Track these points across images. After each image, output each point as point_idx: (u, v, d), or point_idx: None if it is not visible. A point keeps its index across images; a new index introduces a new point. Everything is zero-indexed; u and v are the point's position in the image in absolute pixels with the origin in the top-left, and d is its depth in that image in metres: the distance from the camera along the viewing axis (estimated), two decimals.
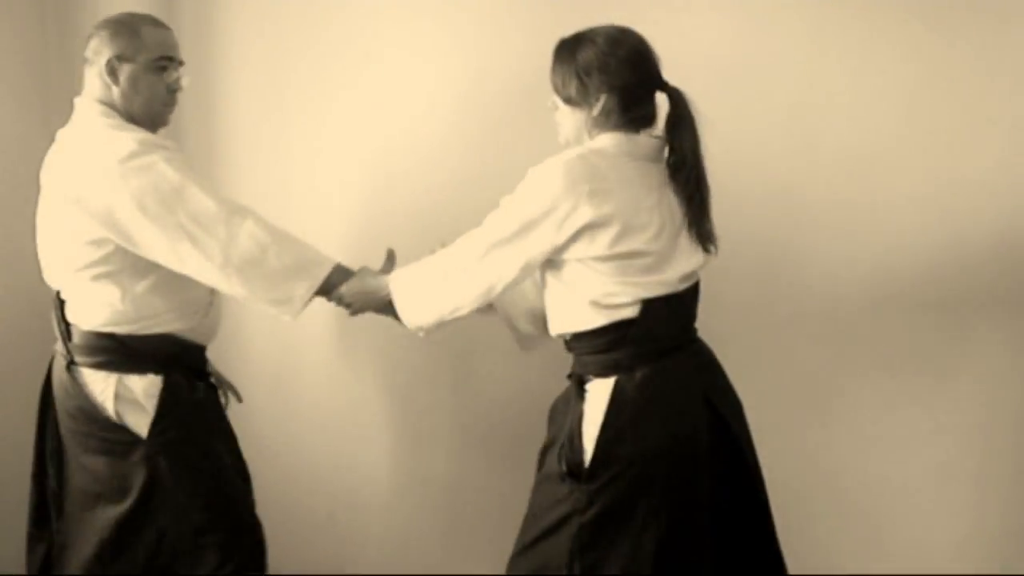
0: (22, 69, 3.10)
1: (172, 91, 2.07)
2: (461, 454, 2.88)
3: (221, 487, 2.13)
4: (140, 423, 2.04)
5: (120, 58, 2.01)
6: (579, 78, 1.87)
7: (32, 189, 3.14)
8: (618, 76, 1.86)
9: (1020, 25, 2.26)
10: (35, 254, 3.19)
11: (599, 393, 1.91)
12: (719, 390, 1.98)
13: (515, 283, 1.90)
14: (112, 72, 2.01)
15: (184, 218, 1.91)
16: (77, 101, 2.08)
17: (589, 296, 1.88)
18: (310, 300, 2.00)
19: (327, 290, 2.02)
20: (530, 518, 2.00)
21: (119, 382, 2.04)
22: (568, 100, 1.91)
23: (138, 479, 2.03)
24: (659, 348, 1.89)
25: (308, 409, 3.01)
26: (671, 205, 1.90)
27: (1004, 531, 2.38)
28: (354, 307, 2.08)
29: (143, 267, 2.00)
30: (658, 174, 1.90)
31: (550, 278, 1.94)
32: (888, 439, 2.45)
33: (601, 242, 1.81)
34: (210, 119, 3.03)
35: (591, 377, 1.94)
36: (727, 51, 2.48)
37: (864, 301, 2.44)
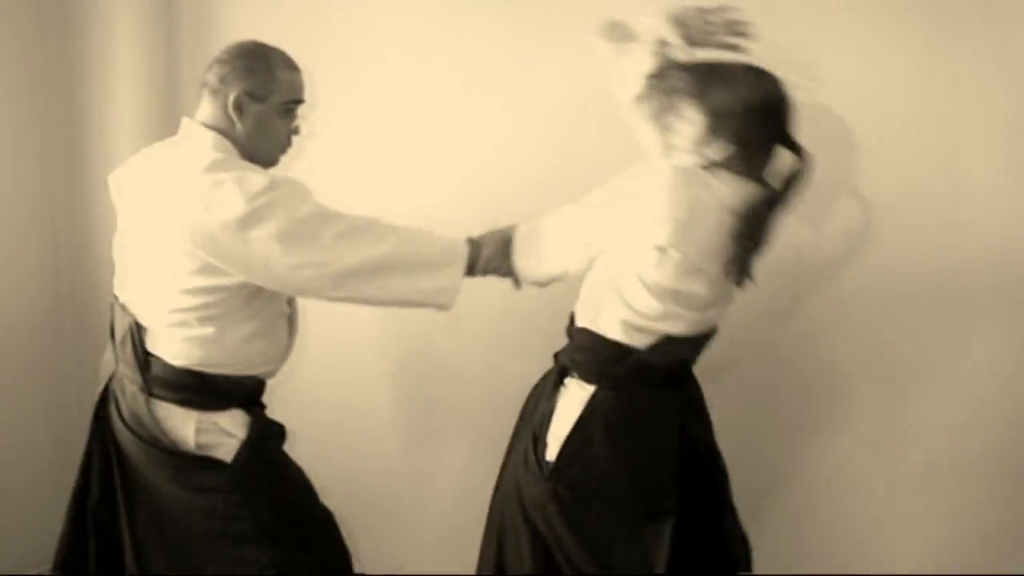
0: (22, 69, 3.10)
1: (292, 135, 1.99)
2: (464, 454, 2.88)
3: (312, 513, 2.10)
4: (225, 452, 1.95)
5: (251, 95, 1.90)
6: (710, 115, 1.79)
7: (30, 188, 3.16)
8: (747, 131, 1.79)
9: (1021, 25, 2.25)
10: (35, 254, 3.21)
11: (575, 396, 1.90)
12: (694, 417, 1.98)
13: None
14: (239, 108, 1.90)
15: (330, 240, 1.83)
16: (186, 123, 1.98)
17: (624, 311, 1.84)
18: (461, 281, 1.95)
19: (471, 265, 1.96)
20: (497, 500, 2.05)
21: (199, 417, 1.95)
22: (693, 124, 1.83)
23: (243, 512, 1.96)
24: (651, 379, 1.87)
25: (310, 409, 3.01)
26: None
27: (1003, 531, 2.38)
28: (501, 269, 2.00)
29: (246, 314, 1.92)
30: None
31: (603, 266, 1.90)
32: (887, 439, 2.45)
33: (665, 271, 1.78)
34: None
35: (573, 374, 1.93)
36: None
37: (862, 300, 2.44)
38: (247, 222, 1.78)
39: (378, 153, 2.81)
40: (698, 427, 1.97)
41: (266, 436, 2.01)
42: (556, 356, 2.00)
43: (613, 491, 1.86)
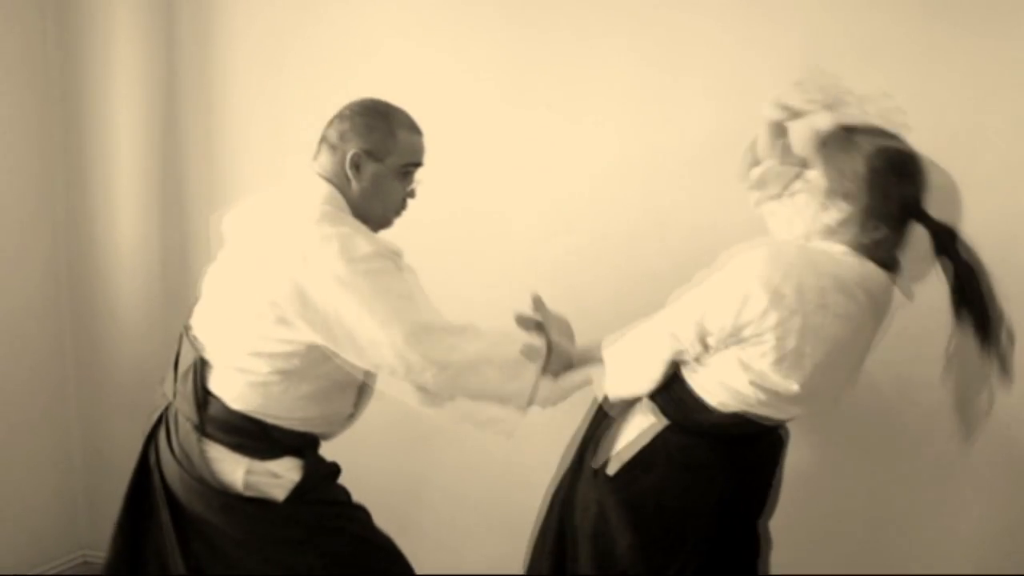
0: (22, 69, 3.10)
1: (405, 199, 1.96)
2: (464, 454, 2.88)
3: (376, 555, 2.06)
4: (277, 492, 1.92)
5: (369, 154, 1.87)
6: (830, 174, 1.67)
7: (31, 188, 3.16)
8: (868, 192, 1.64)
9: (1021, 24, 2.25)
10: (35, 254, 3.22)
11: (646, 419, 1.86)
12: (761, 476, 1.93)
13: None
14: (356, 166, 1.87)
15: (411, 325, 1.77)
16: (305, 169, 1.94)
17: (719, 383, 1.77)
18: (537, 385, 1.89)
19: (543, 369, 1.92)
20: (558, 504, 2.01)
21: (251, 463, 1.91)
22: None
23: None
24: (724, 435, 1.82)
25: None
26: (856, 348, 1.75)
27: (1004, 531, 2.38)
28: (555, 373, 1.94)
29: (315, 374, 1.89)
30: (865, 313, 1.72)
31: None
32: (886, 439, 2.45)
33: (767, 360, 1.68)
34: (211, 117, 3.03)
35: (656, 400, 1.87)
36: (726, 50, 2.48)
37: None
38: (342, 283, 1.75)
39: None
40: (761, 489, 1.92)
41: (317, 478, 1.97)
42: None
43: (650, 519, 1.83)
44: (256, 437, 1.89)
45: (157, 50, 3.06)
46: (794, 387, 1.68)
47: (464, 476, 2.89)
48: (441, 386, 1.83)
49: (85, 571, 3.32)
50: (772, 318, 1.63)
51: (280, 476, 1.91)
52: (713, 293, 1.72)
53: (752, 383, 1.72)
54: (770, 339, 1.65)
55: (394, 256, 1.85)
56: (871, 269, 1.69)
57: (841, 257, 1.69)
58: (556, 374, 1.91)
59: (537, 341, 1.89)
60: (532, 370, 1.86)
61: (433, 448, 2.90)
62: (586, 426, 2.02)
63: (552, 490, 2.05)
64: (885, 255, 1.71)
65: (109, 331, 3.23)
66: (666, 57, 2.53)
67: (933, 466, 2.41)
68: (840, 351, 1.70)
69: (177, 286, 3.12)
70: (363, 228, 1.85)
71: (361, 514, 2.08)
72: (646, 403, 1.88)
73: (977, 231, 2.33)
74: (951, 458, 2.40)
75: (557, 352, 1.90)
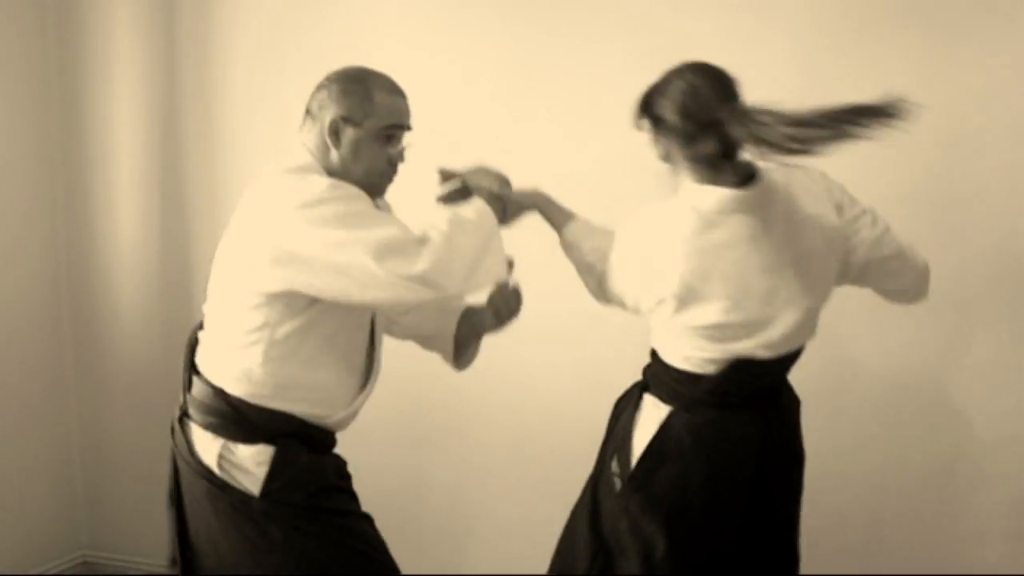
0: (22, 69, 3.10)
1: (394, 163, 1.87)
2: (462, 455, 2.88)
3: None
4: (250, 484, 1.84)
5: (346, 120, 1.82)
6: (657, 128, 1.84)
7: (31, 188, 3.16)
8: (680, 127, 1.79)
9: (1021, 24, 2.25)
10: (35, 253, 3.22)
11: (651, 415, 1.87)
12: (778, 447, 1.89)
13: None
14: (335, 133, 1.82)
15: (376, 237, 1.69)
16: (293, 144, 1.90)
17: (681, 348, 1.82)
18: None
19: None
20: (580, 506, 1.99)
21: (224, 446, 1.85)
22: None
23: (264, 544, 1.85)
24: (728, 401, 1.81)
25: None
26: (762, 264, 1.76)
27: (1005, 531, 2.38)
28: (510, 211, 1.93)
29: (295, 330, 1.81)
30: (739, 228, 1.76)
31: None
32: (887, 438, 2.45)
33: (677, 314, 1.77)
34: (211, 117, 3.03)
35: (652, 391, 1.89)
36: (725, 50, 2.47)
37: (863, 299, 2.44)
38: (313, 204, 1.71)
39: None
40: (780, 460, 1.89)
41: (294, 471, 1.84)
42: (644, 370, 1.96)
43: (679, 516, 1.81)
44: (229, 418, 1.84)
45: (157, 50, 3.06)
46: (715, 318, 1.74)
47: (465, 475, 2.89)
48: (431, 287, 1.70)
49: (85, 571, 3.32)
50: (656, 281, 1.75)
51: (247, 470, 1.84)
52: (615, 264, 1.86)
53: (686, 332, 1.78)
54: (667, 298, 1.75)
55: (353, 192, 1.78)
56: (722, 194, 1.76)
57: (700, 197, 1.78)
58: (511, 218, 1.93)
59: (473, 204, 1.84)
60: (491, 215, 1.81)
61: (434, 447, 2.90)
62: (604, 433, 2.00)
63: (580, 500, 1.99)
64: (731, 171, 1.78)
65: (109, 331, 3.23)
66: (664, 59, 2.53)
67: (933, 466, 2.41)
68: (745, 268, 1.74)
69: (177, 286, 3.12)
70: (336, 183, 1.80)
71: (354, 521, 1.95)
72: (648, 397, 1.89)
73: (977, 231, 2.34)
74: (951, 458, 2.40)
75: (498, 198, 1.88)
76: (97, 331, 3.25)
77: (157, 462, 3.19)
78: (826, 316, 2.48)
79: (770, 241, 1.74)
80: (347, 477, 2.00)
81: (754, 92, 2.46)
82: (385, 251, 1.66)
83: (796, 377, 2.49)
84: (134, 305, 3.19)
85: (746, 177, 1.78)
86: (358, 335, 1.92)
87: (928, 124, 2.34)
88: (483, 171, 1.93)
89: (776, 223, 1.76)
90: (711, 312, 1.74)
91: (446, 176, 1.94)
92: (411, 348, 2.82)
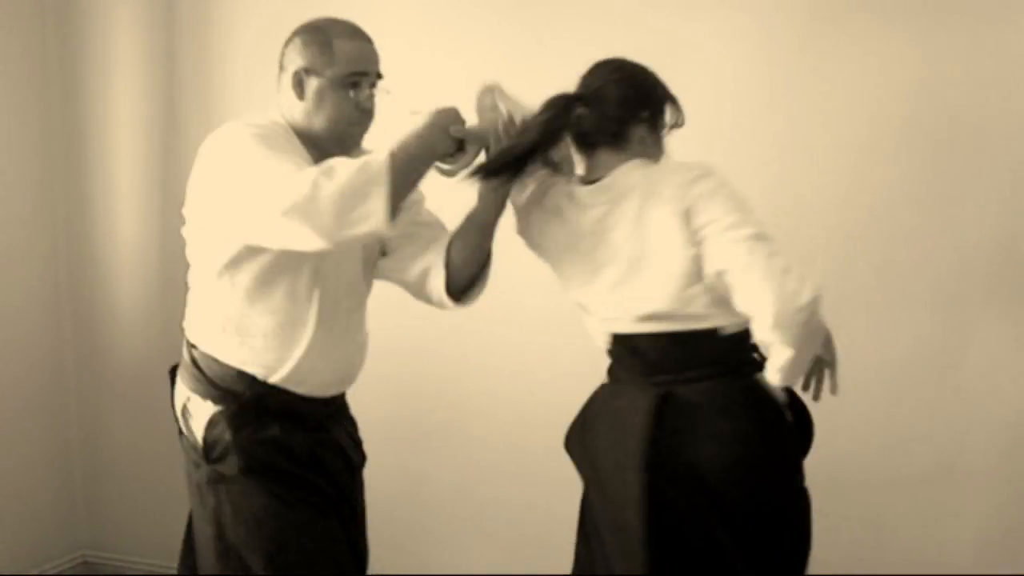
0: (23, 69, 3.10)
1: (362, 110, 1.80)
2: (464, 453, 2.87)
3: (284, 550, 1.81)
4: (195, 436, 1.86)
5: (308, 71, 1.79)
6: None
7: (31, 188, 3.16)
8: None
9: (1019, 24, 2.25)
10: (36, 251, 3.22)
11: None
12: (676, 450, 1.72)
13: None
14: (299, 85, 1.80)
15: (254, 176, 1.65)
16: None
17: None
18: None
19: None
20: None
21: (188, 398, 1.88)
22: None
23: (208, 503, 1.84)
24: (617, 376, 1.87)
25: None
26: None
27: (1005, 530, 2.38)
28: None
29: (227, 282, 1.82)
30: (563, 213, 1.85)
31: None
32: (888, 438, 2.45)
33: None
34: (211, 117, 3.02)
35: None
36: (726, 51, 2.48)
37: (863, 299, 2.44)
38: (209, 147, 1.76)
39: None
40: (695, 447, 1.71)
41: (229, 444, 1.79)
42: None
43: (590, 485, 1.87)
44: (187, 367, 1.90)
45: (157, 49, 3.06)
46: (577, 296, 1.85)
47: (465, 474, 2.89)
48: (297, 225, 1.60)
49: (85, 571, 3.32)
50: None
51: (200, 424, 1.85)
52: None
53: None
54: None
55: (257, 127, 1.76)
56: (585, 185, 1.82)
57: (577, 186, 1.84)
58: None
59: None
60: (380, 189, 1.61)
61: (434, 446, 2.90)
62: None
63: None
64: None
65: (109, 330, 3.23)
66: (664, 61, 2.53)
67: (933, 465, 2.41)
68: (595, 254, 1.79)
69: (177, 286, 3.10)
70: (266, 124, 1.79)
71: (295, 510, 1.81)
72: None
73: (977, 231, 2.34)
74: (951, 458, 2.40)
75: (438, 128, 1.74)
76: (97, 330, 3.25)
77: (157, 462, 3.22)
78: (826, 316, 2.49)
79: (617, 234, 1.76)
80: (320, 462, 1.86)
81: (754, 91, 2.47)
82: (258, 190, 1.63)
83: None
84: (134, 304, 3.19)
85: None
86: (297, 282, 1.79)
87: (928, 124, 2.35)
88: (440, 111, 1.78)
89: (625, 220, 1.75)
90: (575, 290, 1.84)
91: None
92: (411, 346, 2.82)
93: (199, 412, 1.86)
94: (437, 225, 1.95)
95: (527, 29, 2.66)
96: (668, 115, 1.85)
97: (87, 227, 3.22)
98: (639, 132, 1.79)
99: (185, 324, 1.93)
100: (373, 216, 1.58)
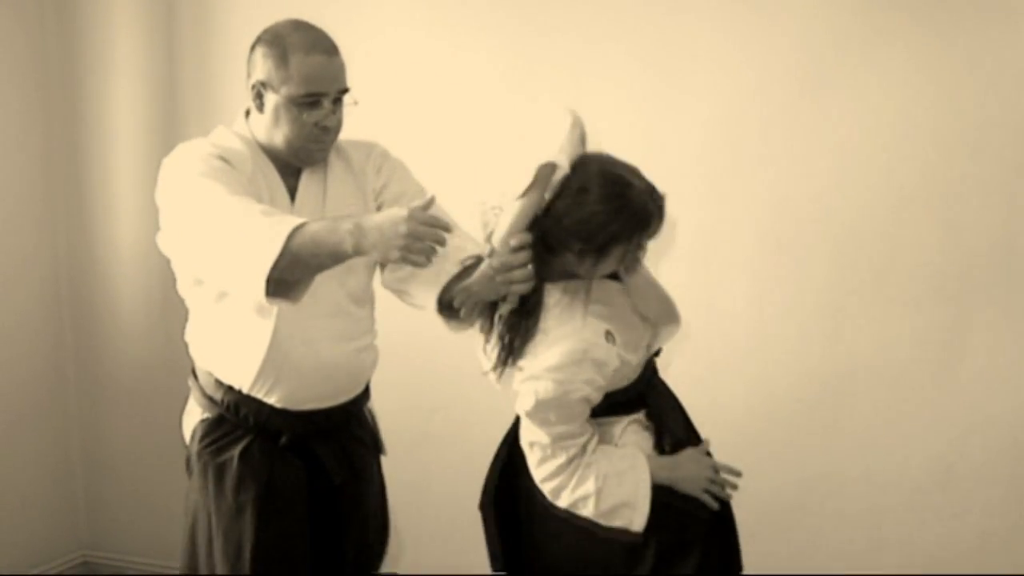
0: (22, 69, 3.10)
1: (321, 128, 1.73)
2: (463, 455, 2.87)
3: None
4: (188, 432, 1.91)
5: (265, 84, 1.73)
6: None
7: (31, 189, 3.16)
8: None
9: (1019, 24, 2.25)
10: (35, 254, 3.21)
11: None
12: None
13: None
14: (258, 97, 1.74)
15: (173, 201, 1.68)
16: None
17: None
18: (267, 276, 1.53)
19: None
20: None
21: (188, 401, 1.92)
22: None
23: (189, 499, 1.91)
24: None
25: None
26: None
27: (1005, 530, 2.38)
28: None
29: (194, 295, 1.87)
30: None
31: None
32: (888, 438, 2.45)
33: None
34: (210, 117, 3.02)
35: None
36: (723, 51, 2.48)
37: (863, 299, 2.44)
38: (162, 170, 1.74)
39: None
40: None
41: (201, 451, 1.82)
42: None
43: None
44: (190, 372, 1.93)
45: (157, 49, 3.06)
46: None
47: (464, 477, 2.88)
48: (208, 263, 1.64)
49: (85, 571, 3.32)
50: None
51: (188, 427, 1.90)
52: None
53: None
54: None
55: (212, 158, 1.70)
56: None
57: None
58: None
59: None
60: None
61: (433, 449, 2.90)
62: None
63: None
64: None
65: (109, 332, 3.22)
66: (664, 59, 2.53)
67: (933, 465, 2.41)
68: None
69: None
70: (221, 143, 1.77)
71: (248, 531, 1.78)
72: None
73: (977, 231, 2.34)
74: (951, 458, 2.40)
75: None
76: (97, 331, 3.25)
77: (157, 462, 3.22)
78: (825, 313, 2.49)
79: None
80: (277, 488, 1.80)
81: (753, 91, 2.47)
82: (199, 243, 1.64)
83: (797, 376, 2.50)
84: (134, 305, 3.19)
85: None
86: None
87: (928, 124, 2.35)
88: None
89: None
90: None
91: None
92: (411, 349, 2.82)
93: (191, 415, 1.92)
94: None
95: (529, 26, 2.66)
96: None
97: (87, 228, 3.22)
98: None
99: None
100: (244, 273, 1.54)
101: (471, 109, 2.71)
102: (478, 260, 1.67)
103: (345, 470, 1.90)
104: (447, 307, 1.75)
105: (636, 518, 1.65)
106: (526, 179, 1.59)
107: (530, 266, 1.60)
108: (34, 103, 3.13)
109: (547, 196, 1.61)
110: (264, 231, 1.51)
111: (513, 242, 1.58)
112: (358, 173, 1.88)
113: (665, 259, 2.47)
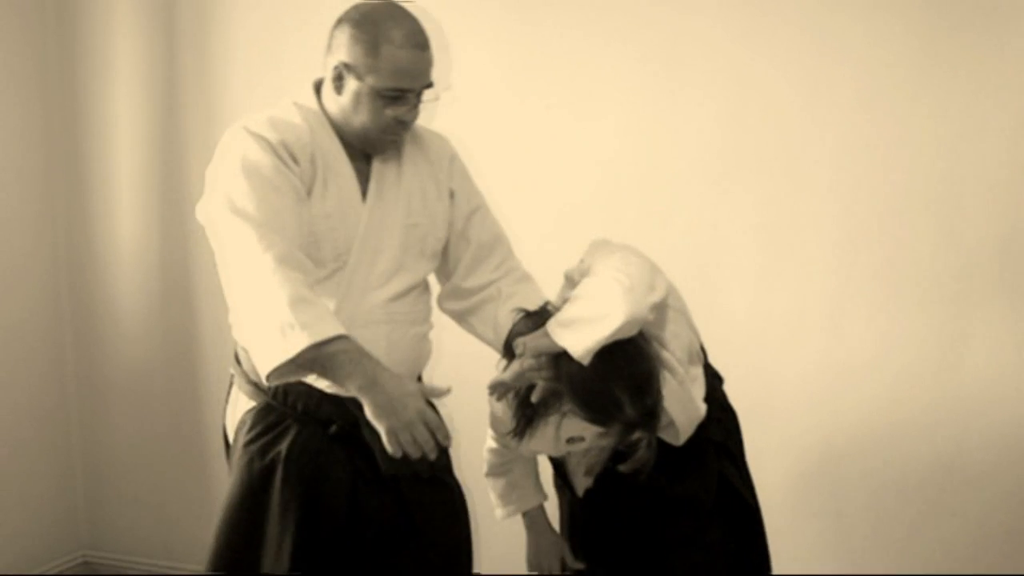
0: (22, 69, 3.10)
1: (400, 122, 1.69)
2: (465, 454, 2.87)
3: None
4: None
5: (349, 68, 1.65)
6: None
7: (31, 188, 3.16)
8: None
9: (1020, 23, 2.25)
10: (35, 254, 3.21)
11: None
12: None
13: None
14: (339, 79, 1.68)
15: (229, 202, 1.59)
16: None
17: None
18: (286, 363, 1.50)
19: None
20: None
21: (231, 388, 1.85)
22: None
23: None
24: None
25: None
26: None
27: (1003, 531, 2.38)
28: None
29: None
30: None
31: None
32: (888, 438, 2.45)
33: None
34: (211, 116, 3.03)
35: None
36: (726, 50, 2.48)
37: (864, 298, 2.44)
38: (217, 149, 1.67)
39: None
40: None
41: (247, 442, 1.73)
42: None
43: None
44: (233, 359, 1.85)
45: (157, 49, 3.06)
46: None
47: (468, 476, 2.89)
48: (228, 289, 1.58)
49: (85, 571, 3.32)
50: None
51: (232, 409, 1.83)
52: None
53: None
54: None
55: (267, 138, 1.64)
56: None
57: None
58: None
59: None
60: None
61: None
62: None
63: None
64: None
65: (109, 331, 3.23)
66: (667, 58, 2.54)
67: (933, 465, 2.42)
68: None
69: (177, 286, 3.12)
70: (284, 118, 1.68)
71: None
72: None
73: (977, 231, 2.34)
74: (951, 458, 2.40)
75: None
76: (97, 330, 3.25)
77: (157, 462, 3.22)
78: (825, 313, 2.49)
79: None
80: (319, 480, 1.71)
81: (754, 91, 2.48)
82: (227, 206, 1.57)
83: (797, 377, 2.51)
84: (134, 305, 3.19)
85: None
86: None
87: (928, 124, 2.35)
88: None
89: None
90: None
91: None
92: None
93: (235, 404, 1.83)
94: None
95: (530, 25, 2.66)
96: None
97: (87, 227, 3.22)
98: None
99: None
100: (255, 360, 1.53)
101: (471, 108, 2.72)
102: (532, 312, 1.71)
103: (400, 462, 1.67)
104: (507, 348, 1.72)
105: None
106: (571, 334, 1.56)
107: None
108: (34, 103, 3.13)
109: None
110: (283, 331, 1.47)
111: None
112: (435, 162, 1.84)
113: (665, 259, 2.48)
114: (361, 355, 1.51)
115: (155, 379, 3.17)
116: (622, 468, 1.70)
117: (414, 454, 1.51)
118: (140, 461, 3.23)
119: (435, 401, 1.75)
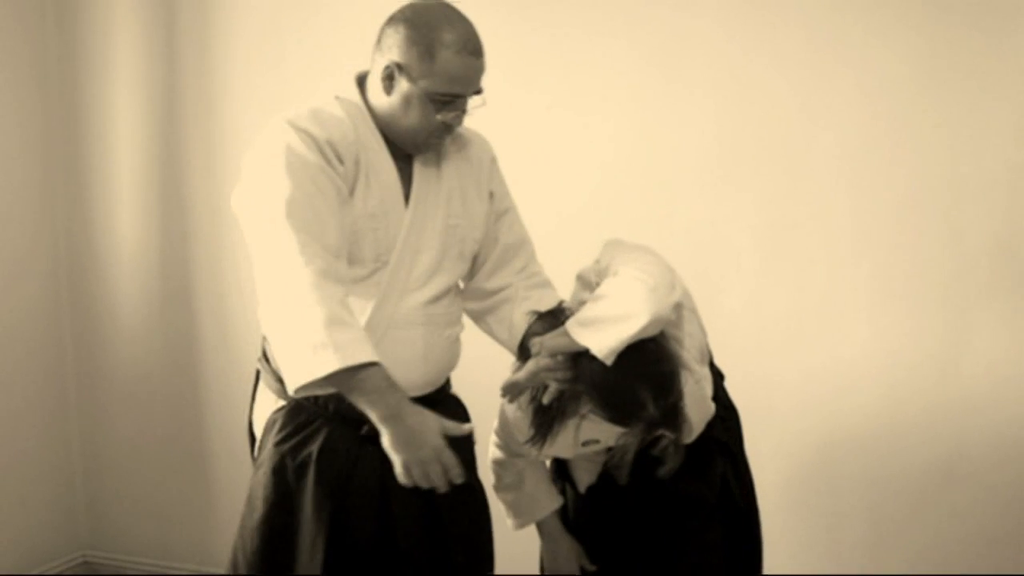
0: (21, 69, 3.10)
1: (447, 126, 1.69)
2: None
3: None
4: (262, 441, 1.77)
5: (402, 69, 1.64)
6: None
7: (31, 188, 3.16)
8: None
9: (1020, 23, 2.25)
10: (35, 254, 3.22)
11: None
12: None
13: None
14: (389, 79, 1.66)
15: (277, 204, 1.56)
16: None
17: None
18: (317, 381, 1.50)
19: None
20: None
21: (258, 386, 1.81)
22: None
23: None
24: None
25: None
26: None
27: (1003, 531, 2.38)
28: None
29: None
30: None
31: None
32: (888, 438, 2.45)
33: None
34: (211, 117, 3.03)
35: None
36: (726, 49, 2.48)
37: (863, 298, 2.44)
38: (255, 147, 1.64)
39: None
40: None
41: (279, 441, 1.71)
42: None
43: None
44: (260, 356, 1.80)
45: (157, 49, 3.06)
46: None
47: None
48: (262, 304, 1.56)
49: (85, 571, 3.32)
50: None
51: (259, 407, 1.79)
52: None
53: None
54: None
55: (310, 134, 1.61)
56: None
57: None
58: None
59: None
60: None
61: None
62: None
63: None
64: None
65: (109, 331, 3.23)
66: (667, 57, 2.54)
67: (933, 466, 2.42)
68: None
69: (177, 286, 3.12)
70: (329, 123, 1.65)
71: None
72: None
73: (977, 231, 2.34)
74: (951, 458, 2.40)
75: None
76: (97, 330, 3.25)
77: (157, 462, 3.22)
78: (825, 315, 2.49)
79: None
80: (349, 481, 1.70)
81: (755, 90, 2.48)
82: (277, 209, 1.55)
83: (795, 377, 2.51)
84: (134, 304, 3.19)
85: None
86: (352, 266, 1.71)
87: (928, 124, 2.35)
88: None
89: None
90: None
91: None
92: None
93: (263, 404, 1.79)
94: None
95: (531, 25, 2.66)
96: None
97: (87, 227, 3.22)
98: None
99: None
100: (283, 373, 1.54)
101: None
102: (547, 313, 1.73)
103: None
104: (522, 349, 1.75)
105: None
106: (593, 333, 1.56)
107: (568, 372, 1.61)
108: (34, 103, 3.13)
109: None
110: (315, 349, 1.47)
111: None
112: (475, 163, 1.84)
113: (667, 259, 2.48)
114: (388, 385, 1.51)
115: (155, 379, 3.17)
116: (661, 473, 1.70)
117: (424, 487, 1.52)
118: (140, 461, 3.23)
119: (465, 402, 1.81)
